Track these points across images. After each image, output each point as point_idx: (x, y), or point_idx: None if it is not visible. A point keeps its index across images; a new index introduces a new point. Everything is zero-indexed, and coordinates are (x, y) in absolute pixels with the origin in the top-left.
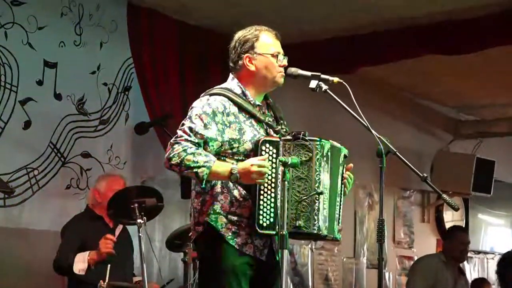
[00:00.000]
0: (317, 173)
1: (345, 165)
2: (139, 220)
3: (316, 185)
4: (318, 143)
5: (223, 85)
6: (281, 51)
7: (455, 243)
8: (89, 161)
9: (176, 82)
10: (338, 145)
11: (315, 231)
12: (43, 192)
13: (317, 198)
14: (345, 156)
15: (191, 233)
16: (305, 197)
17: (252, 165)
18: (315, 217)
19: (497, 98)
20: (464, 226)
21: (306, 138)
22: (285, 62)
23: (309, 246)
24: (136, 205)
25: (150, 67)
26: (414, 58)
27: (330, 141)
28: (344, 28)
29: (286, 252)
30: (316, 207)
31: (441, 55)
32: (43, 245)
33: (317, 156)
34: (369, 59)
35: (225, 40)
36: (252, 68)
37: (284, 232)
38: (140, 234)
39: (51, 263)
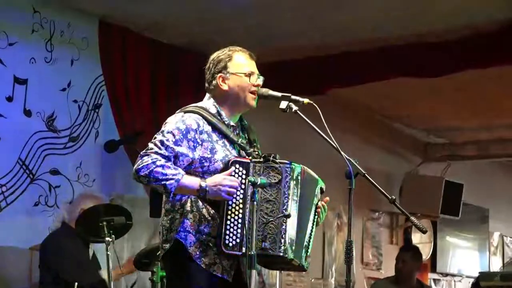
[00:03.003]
0: (286, 196)
1: (320, 198)
2: (107, 238)
3: (284, 207)
4: (288, 166)
5: (198, 104)
6: (256, 71)
7: (404, 267)
8: (58, 178)
9: (147, 100)
10: (315, 175)
11: (281, 254)
12: (11, 208)
13: (284, 221)
14: (321, 189)
15: (159, 252)
16: (272, 219)
17: (224, 179)
18: (282, 240)
19: (466, 122)
20: (432, 248)
21: (277, 160)
22: (259, 81)
23: None
24: (104, 223)
25: (121, 84)
26: (385, 80)
27: (305, 167)
28: (315, 48)
29: (254, 272)
30: (283, 230)
31: (412, 78)
32: (10, 262)
33: (286, 179)
34: (340, 80)
35: (197, 58)
36: (225, 87)
37: (252, 253)
38: (108, 252)
39: (18, 279)
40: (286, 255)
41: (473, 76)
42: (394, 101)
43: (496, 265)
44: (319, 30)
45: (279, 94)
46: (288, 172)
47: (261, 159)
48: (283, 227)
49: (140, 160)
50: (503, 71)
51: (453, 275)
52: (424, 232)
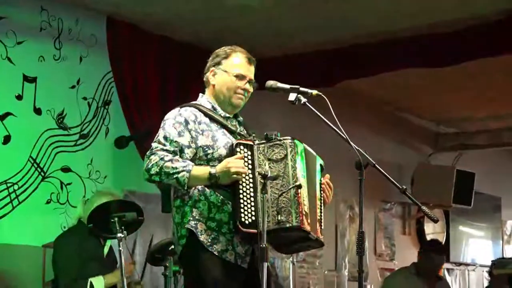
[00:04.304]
0: (294, 168)
1: (321, 175)
2: (119, 234)
3: (294, 180)
4: (291, 141)
5: (192, 102)
6: (250, 76)
7: (429, 263)
8: (70, 175)
9: (156, 97)
10: (313, 152)
11: (297, 224)
12: (23, 207)
13: (296, 192)
14: (321, 166)
15: (172, 247)
16: (284, 190)
17: (228, 162)
18: (296, 210)
19: (476, 111)
20: (445, 238)
21: (279, 138)
22: (247, 87)
23: (290, 259)
24: (116, 219)
25: (130, 81)
26: (395, 71)
27: (304, 144)
28: (325, 41)
29: (265, 264)
30: (296, 200)
31: (421, 69)
32: (23, 260)
33: (292, 153)
34: (350, 73)
35: (206, 55)
36: (213, 81)
37: (264, 245)
38: (120, 248)
39: (31, 277)
40: (303, 226)
41: (482, 65)
42: (403, 91)
43: (510, 254)
44: (328, 24)
45: (287, 86)
46: (292, 146)
47: (264, 140)
48: (296, 198)
49: (148, 160)
50: (511, 59)
51: (466, 265)
52: (435, 221)
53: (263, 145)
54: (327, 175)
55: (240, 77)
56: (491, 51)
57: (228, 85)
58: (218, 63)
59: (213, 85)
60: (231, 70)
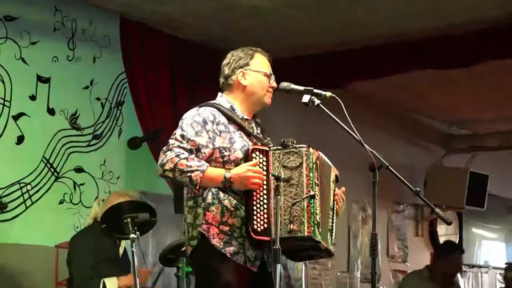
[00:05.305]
0: (308, 178)
1: (336, 186)
2: (132, 235)
3: (308, 189)
4: (306, 149)
5: (211, 102)
6: (272, 74)
7: (450, 265)
8: (82, 176)
9: (168, 97)
10: (329, 162)
11: (309, 235)
12: (36, 207)
13: (310, 202)
14: (336, 177)
15: (184, 248)
16: (298, 200)
17: (248, 170)
18: (309, 220)
19: (487, 113)
20: (458, 240)
21: (296, 146)
22: (275, 84)
23: None
24: (129, 219)
25: (142, 81)
26: (405, 73)
27: (320, 153)
28: (334, 43)
29: (279, 266)
30: (309, 210)
31: (432, 70)
32: (36, 260)
33: (307, 162)
34: (360, 74)
35: (216, 54)
36: (245, 82)
37: (277, 247)
38: (133, 249)
39: (43, 278)
40: (314, 236)
41: (490, 67)
42: (416, 93)
43: None
44: (338, 25)
45: (301, 88)
46: (308, 155)
47: (280, 146)
48: (309, 208)
49: (164, 156)
50: None
51: (479, 267)
52: (449, 223)
53: (278, 152)
54: (343, 188)
55: (268, 76)
56: (501, 54)
57: (262, 84)
58: (247, 64)
59: (244, 86)
60: (261, 69)
